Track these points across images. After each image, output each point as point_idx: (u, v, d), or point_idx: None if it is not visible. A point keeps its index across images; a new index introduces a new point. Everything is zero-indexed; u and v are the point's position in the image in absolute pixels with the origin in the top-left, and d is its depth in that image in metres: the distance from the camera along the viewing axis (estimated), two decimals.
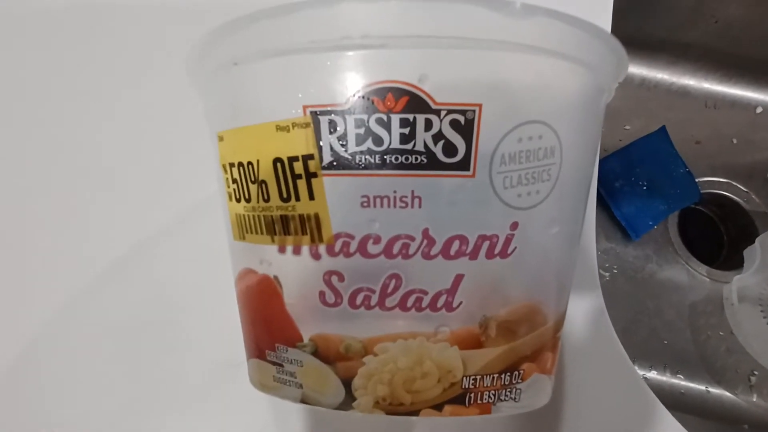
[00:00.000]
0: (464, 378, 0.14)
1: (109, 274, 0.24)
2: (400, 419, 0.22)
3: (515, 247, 0.13)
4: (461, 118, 0.12)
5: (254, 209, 0.14)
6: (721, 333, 0.39)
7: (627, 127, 0.42)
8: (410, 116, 0.12)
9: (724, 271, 0.40)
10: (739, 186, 0.42)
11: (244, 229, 0.15)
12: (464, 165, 0.12)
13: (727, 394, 0.38)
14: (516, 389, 0.14)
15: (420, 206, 0.12)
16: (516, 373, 0.14)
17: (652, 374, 0.39)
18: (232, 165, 0.14)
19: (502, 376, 0.14)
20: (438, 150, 0.12)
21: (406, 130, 0.12)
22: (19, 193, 0.25)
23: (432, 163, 0.12)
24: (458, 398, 0.14)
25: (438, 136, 0.12)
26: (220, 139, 0.15)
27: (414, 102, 0.12)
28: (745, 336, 0.38)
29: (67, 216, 0.24)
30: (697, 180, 0.41)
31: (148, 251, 0.24)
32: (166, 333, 0.23)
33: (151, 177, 0.25)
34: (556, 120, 0.12)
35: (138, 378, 0.23)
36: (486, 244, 0.13)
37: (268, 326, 0.15)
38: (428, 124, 0.12)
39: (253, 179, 0.14)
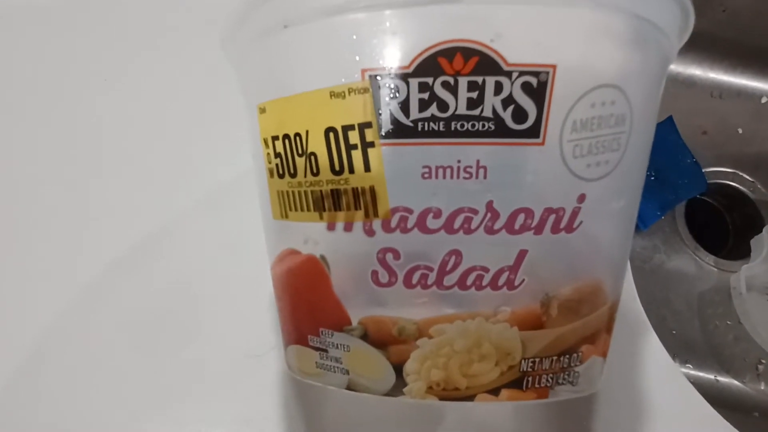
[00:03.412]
0: (523, 361, 0.13)
1: (127, 263, 0.23)
2: (431, 409, 0.21)
3: (581, 221, 0.12)
4: (534, 81, 0.11)
5: (300, 184, 0.13)
6: (729, 322, 0.39)
7: None
8: (479, 79, 0.11)
9: (731, 260, 0.40)
10: (745, 176, 0.42)
11: (286, 206, 0.14)
12: (534, 132, 0.11)
13: (736, 382, 0.38)
14: (574, 372, 0.14)
15: (485, 177, 0.11)
16: (575, 355, 0.14)
17: None
18: (275, 138, 0.13)
19: (561, 358, 0.13)
20: (507, 116, 0.11)
21: (474, 94, 0.11)
22: (38, 180, 0.24)
23: (500, 130, 0.11)
24: (515, 382, 0.13)
25: (508, 101, 0.11)
26: (261, 111, 0.14)
27: (484, 63, 0.11)
28: (753, 325, 0.38)
29: (86, 204, 0.24)
30: (703, 170, 0.40)
31: (166, 241, 0.23)
32: (186, 323, 0.22)
33: (171, 165, 0.24)
34: (628, 85, 0.12)
35: (157, 368, 0.22)
36: (552, 217, 0.12)
37: (312, 310, 0.14)
38: (498, 88, 0.11)
39: (300, 152, 0.13)
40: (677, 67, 0.43)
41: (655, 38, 0.12)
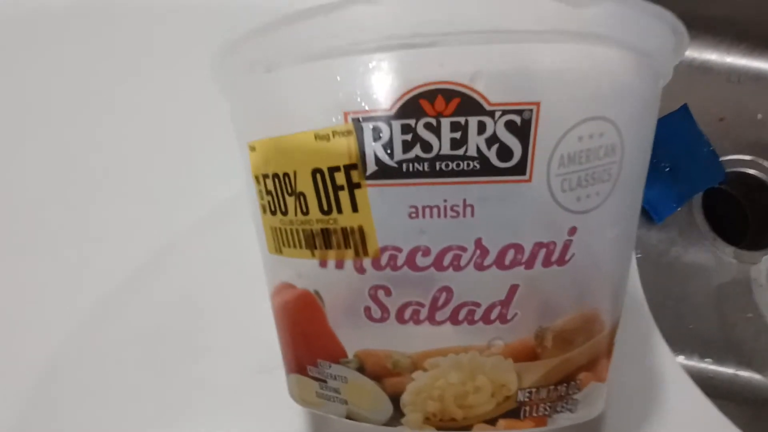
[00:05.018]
0: (519, 391, 0.13)
1: (134, 280, 0.23)
2: None
3: (573, 254, 0.12)
4: (517, 119, 0.11)
5: (292, 222, 0.13)
6: (749, 315, 0.38)
7: None
8: (462, 119, 0.11)
9: (751, 251, 0.39)
10: (764, 163, 0.41)
11: (280, 242, 0.14)
12: (520, 169, 0.11)
13: (757, 376, 0.37)
14: (572, 400, 0.14)
15: (473, 215, 0.11)
16: (572, 383, 0.13)
17: (680, 359, 0.38)
18: (265, 176, 0.13)
19: (558, 387, 0.13)
20: (492, 154, 0.11)
21: (458, 135, 0.11)
22: (42, 200, 0.24)
23: (485, 169, 0.11)
24: (512, 412, 0.13)
25: (492, 140, 0.11)
26: (252, 149, 0.14)
27: (466, 103, 0.11)
28: None
29: (91, 222, 0.24)
30: (721, 159, 0.39)
31: (173, 256, 0.23)
32: (195, 339, 0.23)
33: (174, 180, 0.24)
34: (617, 115, 0.11)
35: (167, 385, 0.22)
36: (542, 252, 0.12)
37: (309, 342, 0.14)
38: (481, 127, 0.11)
39: (289, 191, 0.13)
40: (692, 53, 0.41)
41: (644, 63, 0.12)
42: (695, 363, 0.38)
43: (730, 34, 0.40)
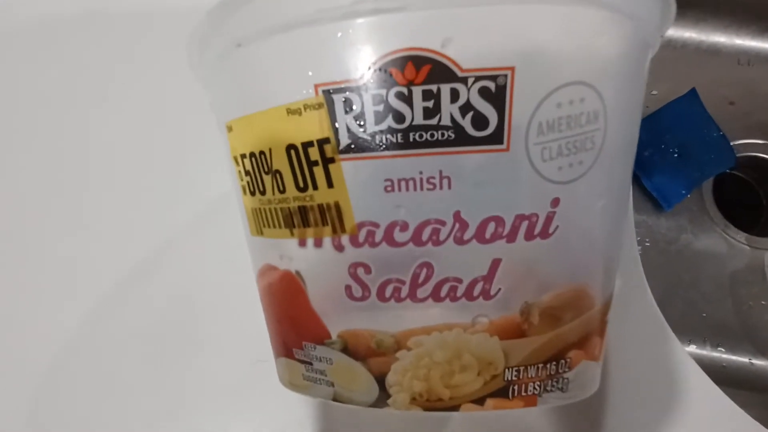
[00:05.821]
0: (506, 370, 0.13)
1: (131, 276, 0.23)
2: (435, 413, 0.21)
3: (557, 226, 0.12)
4: (491, 85, 0.10)
5: (270, 202, 0.13)
6: (763, 302, 0.37)
7: (654, 92, 0.40)
8: (434, 87, 0.10)
9: (764, 237, 0.38)
10: None
11: (261, 223, 0.14)
12: (497, 138, 0.11)
13: None
14: (563, 379, 0.13)
15: (449, 187, 0.11)
16: (562, 361, 0.13)
17: (692, 348, 0.37)
18: (243, 156, 0.13)
19: (548, 365, 0.13)
20: (467, 123, 0.11)
21: (430, 104, 0.11)
22: (37, 200, 0.24)
23: (460, 139, 0.11)
24: (501, 391, 0.13)
25: (466, 108, 0.11)
26: (229, 129, 0.14)
27: (437, 70, 0.10)
28: None
29: (86, 221, 0.24)
30: (732, 143, 0.38)
31: (168, 251, 0.23)
32: (193, 333, 0.23)
33: (169, 177, 0.24)
34: (598, 80, 0.11)
35: (168, 379, 0.22)
36: (524, 224, 0.11)
37: (293, 324, 0.14)
38: (454, 95, 0.10)
39: (266, 170, 0.13)
40: (699, 35, 0.40)
41: (628, 27, 0.11)
42: (708, 352, 0.37)
43: (738, 15, 0.39)
